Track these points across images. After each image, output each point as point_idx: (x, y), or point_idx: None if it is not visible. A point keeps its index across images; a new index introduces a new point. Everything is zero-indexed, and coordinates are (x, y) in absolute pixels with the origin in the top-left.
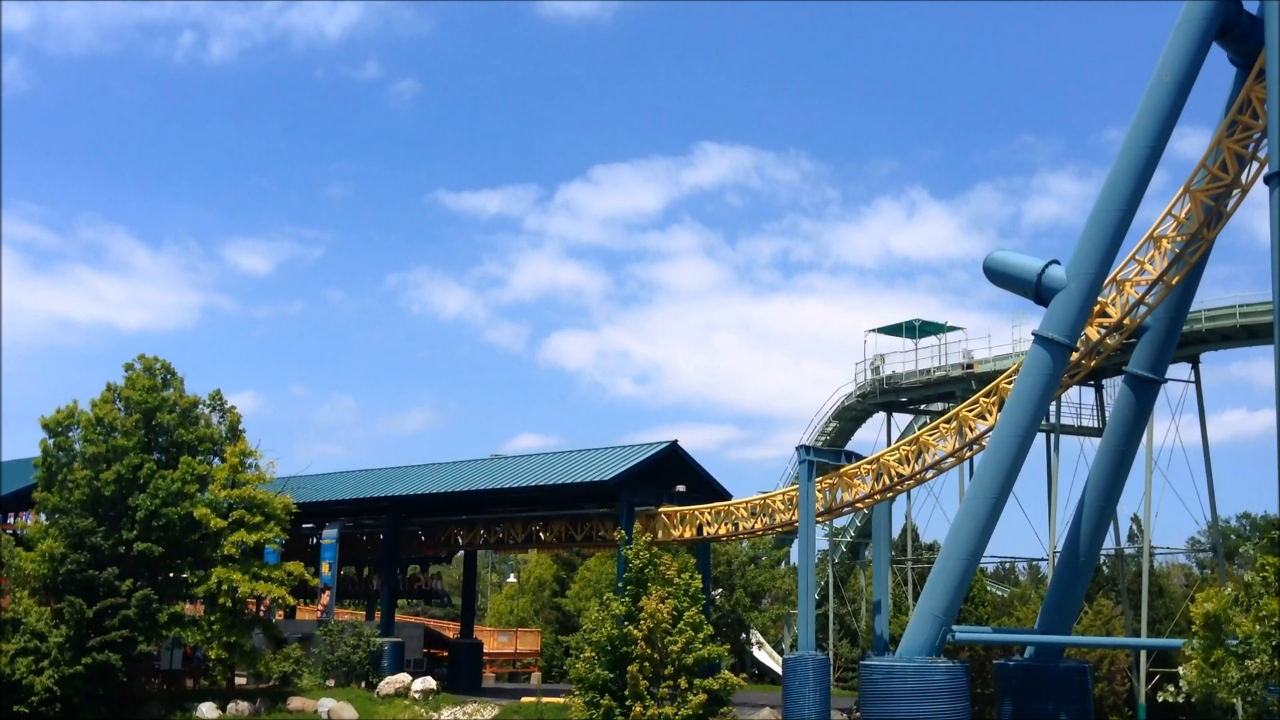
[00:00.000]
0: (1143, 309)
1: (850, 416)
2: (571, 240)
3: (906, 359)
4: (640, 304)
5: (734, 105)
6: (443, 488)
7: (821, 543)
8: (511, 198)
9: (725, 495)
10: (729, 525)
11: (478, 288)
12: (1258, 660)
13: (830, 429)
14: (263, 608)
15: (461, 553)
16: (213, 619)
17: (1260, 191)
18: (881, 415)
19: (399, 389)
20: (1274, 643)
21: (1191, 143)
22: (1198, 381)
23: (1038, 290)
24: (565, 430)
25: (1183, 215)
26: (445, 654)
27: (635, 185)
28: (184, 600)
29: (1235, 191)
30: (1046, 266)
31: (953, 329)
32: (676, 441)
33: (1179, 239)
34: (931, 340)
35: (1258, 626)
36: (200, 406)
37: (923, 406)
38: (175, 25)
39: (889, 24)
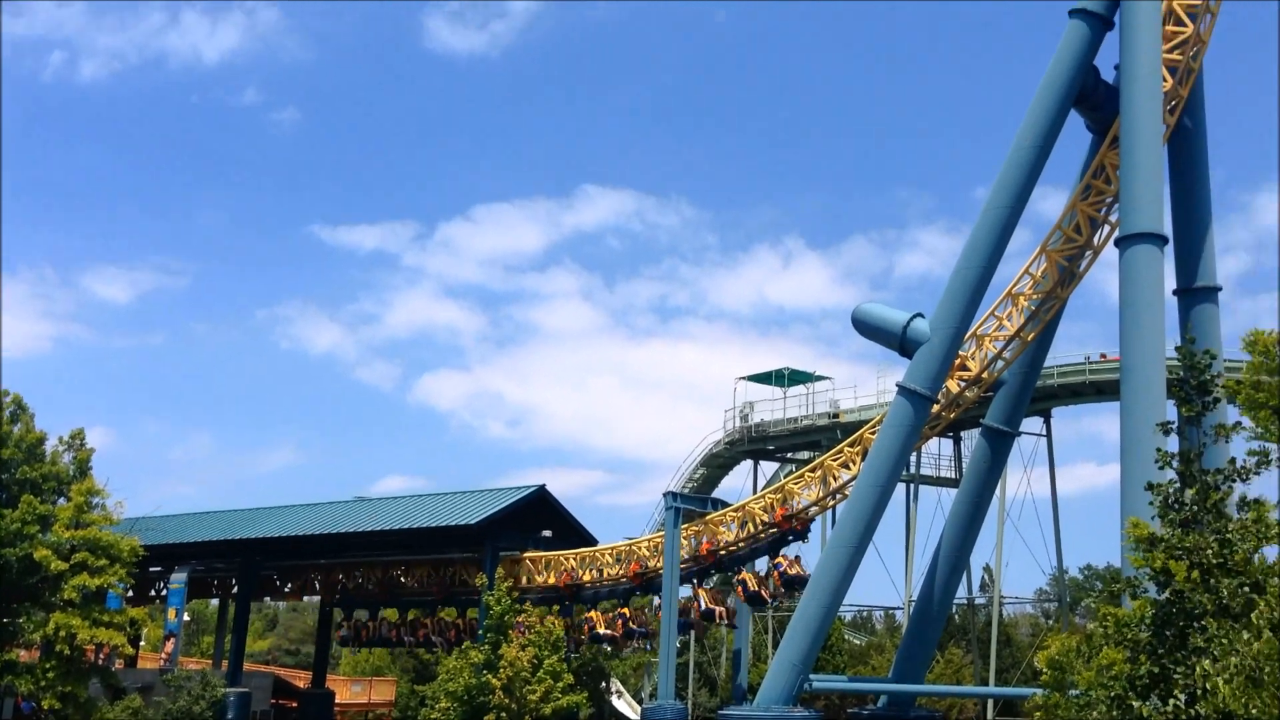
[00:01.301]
0: (1000, 364)
1: (718, 464)
2: (449, 279)
3: (775, 407)
4: (516, 345)
5: (618, 148)
6: (301, 530)
7: (685, 590)
8: (390, 234)
9: (592, 541)
10: (594, 572)
11: (350, 324)
12: (1097, 711)
13: (698, 475)
14: (102, 655)
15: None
16: (47, 667)
17: (1112, 253)
18: (749, 462)
19: (261, 427)
20: (1112, 694)
21: (1052, 203)
22: (1049, 435)
23: (902, 343)
24: (434, 472)
25: (1039, 274)
26: (294, 704)
27: (516, 225)
28: (18, 647)
29: (1088, 253)
30: (911, 320)
31: (821, 378)
32: (545, 486)
33: (1035, 297)
34: (800, 389)
35: (1097, 677)
36: (48, 442)
37: (789, 454)
38: (45, 44)
39: (772, 74)
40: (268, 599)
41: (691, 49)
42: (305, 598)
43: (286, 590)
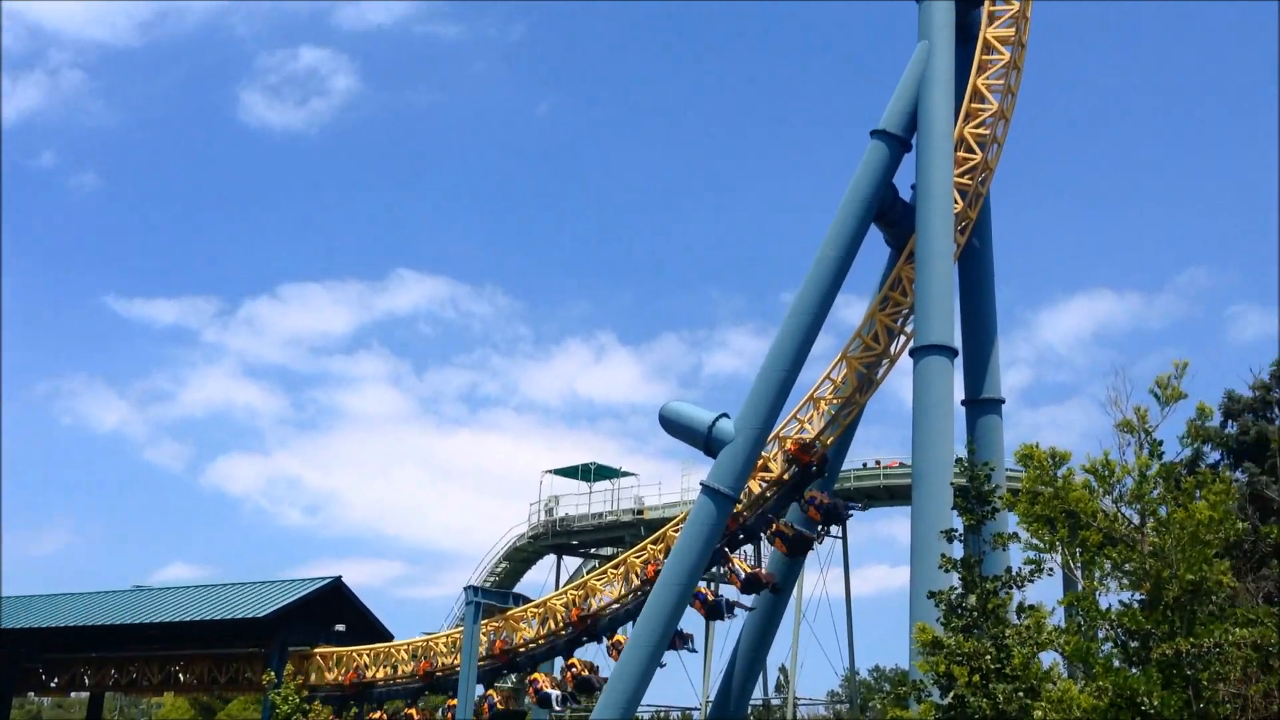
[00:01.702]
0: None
1: (521, 558)
2: (251, 358)
3: (580, 502)
4: (318, 430)
5: (435, 234)
6: (71, 621)
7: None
8: (190, 309)
9: (388, 636)
10: (388, 668)
11: (141, 402)
12: None
13: (500, 569)
14: None
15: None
16: None
17: (907, 362)
18: (553, 557)
19: (35, 508)
20: None
21: (854, 311)
22: (845, 538)
23: (707, 442)
24: (224, 561)
25: (839, 380)
26: None
27: (325, 306)
28: None
29: (885, 361)
30: (716, 420)
31: (626, 474)
32: (340, 577)
33: (835, 401)
34: (606, 484)
35: None
36: None
37: (593, 550)
38: None
39: (591, 170)
40: (31, 694)
41: (513, 140)
42: (73, 693)
43: (53, 685)
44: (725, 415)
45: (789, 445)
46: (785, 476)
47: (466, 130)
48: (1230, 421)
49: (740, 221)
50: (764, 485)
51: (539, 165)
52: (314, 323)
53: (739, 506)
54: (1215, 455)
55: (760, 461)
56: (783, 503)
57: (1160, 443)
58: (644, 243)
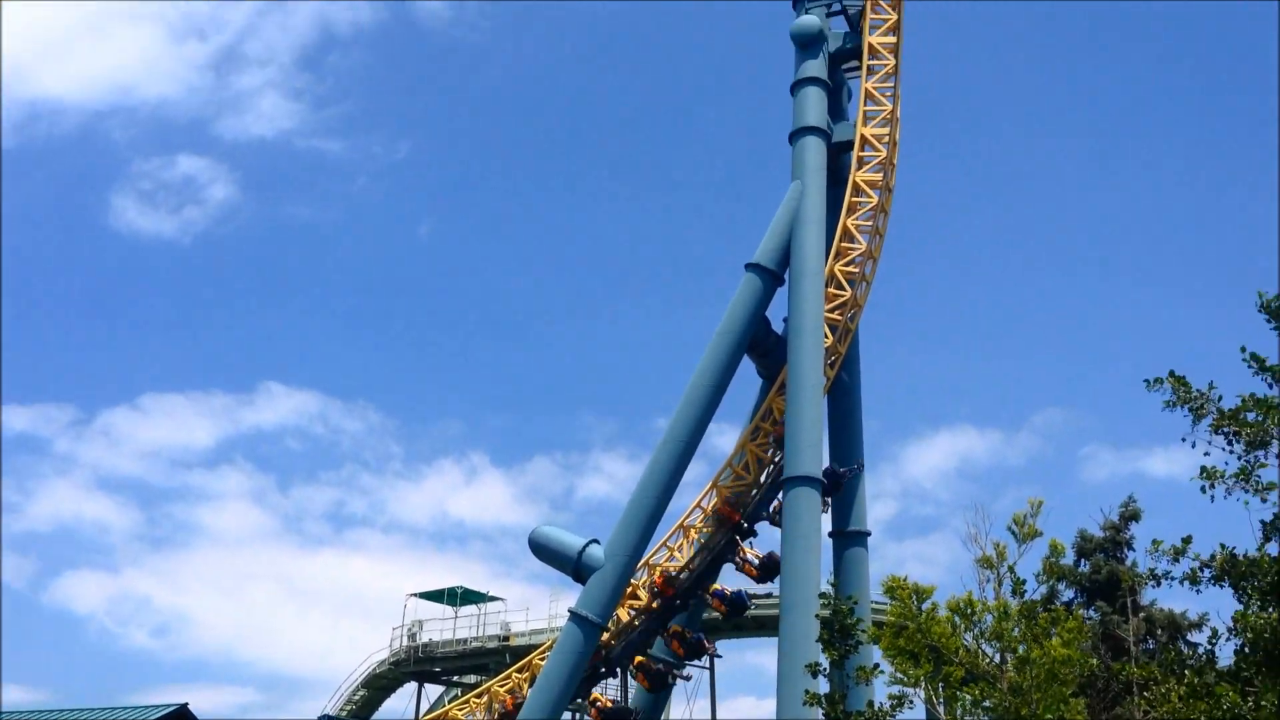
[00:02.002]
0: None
1: (380, 685)
2: (105, 470)
3: (445, 626)
4: (173, 547)
5: (307, 348)
6: None
7: None
8: (42, 417)
9: None
10: None
11: None
12: None
13: (359, 697)
14: None
15: None
16: None
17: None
18: (413, 684)
19: None
20: None
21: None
22: (711, 669)
23: (577, 568)
24: (63, 684)
25: (710, 508)
26: None
27: (188, 419)
28: None
29: (755, 490)
30: (586, 545)
31: (493, 599)
32: (187, 705)
33: (705, 529)
34: (472, 609)
35: None
36: None
37: (456, 678)
38: None
39: (467, 292)
40: None
41: (392, 258)
42: None
43: None
44: (595, 541)
45: (656, 576)
46: (654, 605)
47: (345, 246)
48: (1083, 560)
49: (616, 347)
50: (632, 614)
51: (418, 284)
52: (175, 435)
53: (606, 635)
54: (1069, 593)
55: (629, 589)
56: (649, 633)
57: (1023, 581)
58: (520, 365)
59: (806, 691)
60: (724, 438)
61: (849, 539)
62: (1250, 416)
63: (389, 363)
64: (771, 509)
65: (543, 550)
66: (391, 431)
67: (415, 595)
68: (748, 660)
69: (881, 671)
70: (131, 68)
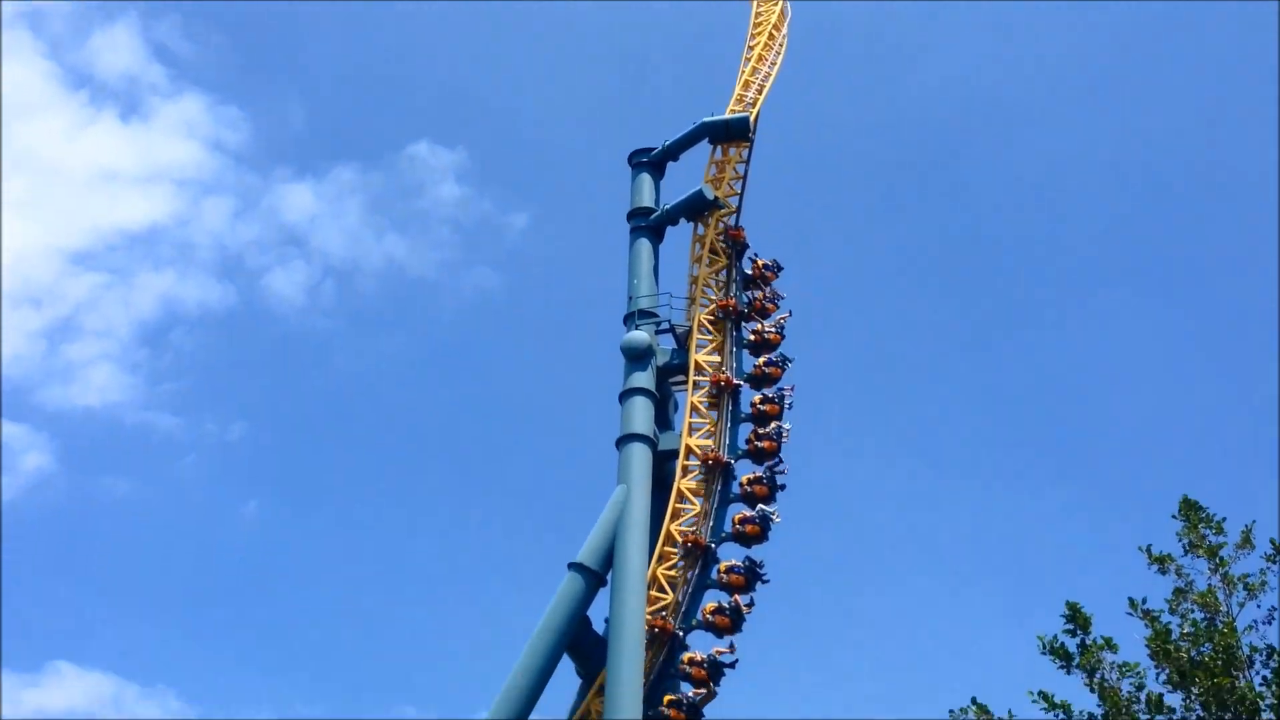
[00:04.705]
0: None
1: None
2: None
3: None
4: None
5: (106, 628)
6: None
7: None
8: None
9: None
10: None
11: None
12: None
13: None
14: None
15: None
16: None
17: None
18: None
19: None
20: None
21: None
22: None
23: None
24: None
25: None
26: None
27: None
28: None
29: None
30: None
31: None
32: None
33: None
34: None
35: None
36: None
37: None
38: None
39: (291, 572)
40: None
41: (213, 537)
42: None
43: None
44: None
45: None
46: None
47: (162, 523)
48: None
49: (440, 638)
50: None
51: (236, 565)
52: None
53: None
54: None
55: None
56: None
57: None
58: (340, 654)
59: None
60: None
61: None
62: None
63: (196, 646)
64: None
65: None
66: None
67: None
68: None
69: None
70: None
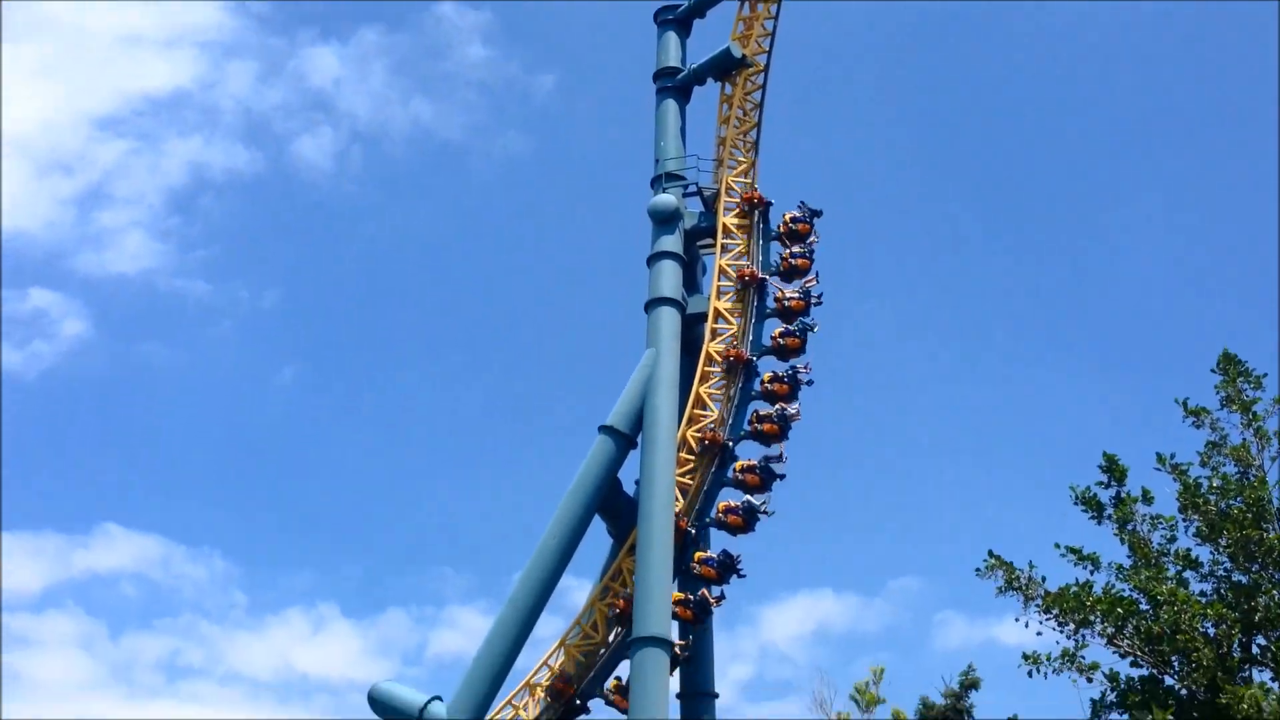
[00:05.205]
0: None
1: None
2: None
3: None
4: None
5: (153, 492)
6: None
7: None
8: None
9: None
10: None
11: None
12: None
13: None
14: None
15: None
16: None
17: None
18: None
19: None
20: None
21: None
22: None
23: None
24: None
25: (557, 666)
26: None
27: (15, 559)
28: None
29: (603, 650)
30: (428, 703)
31: None
32: None
33: (555, 686)
34: None
35: None
36: None
37: None
38: None
39: (328, 439)
40: None
41: (250, 404)
42: None
43: None
44: (438, 698)
45: None
46: None
47: (201, 389)
48: None
49: (476, 502)
50: None
51: (275, 431)
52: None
53: None
54: None
55: None
56: None
57: None
58: (377, 517)
59: None
60: (582, 593)
61: (697, 700)
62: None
63: (240, 509)
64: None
65: (382, 707)
66: (237, 580)
67: None
68: None
69: None
70: None
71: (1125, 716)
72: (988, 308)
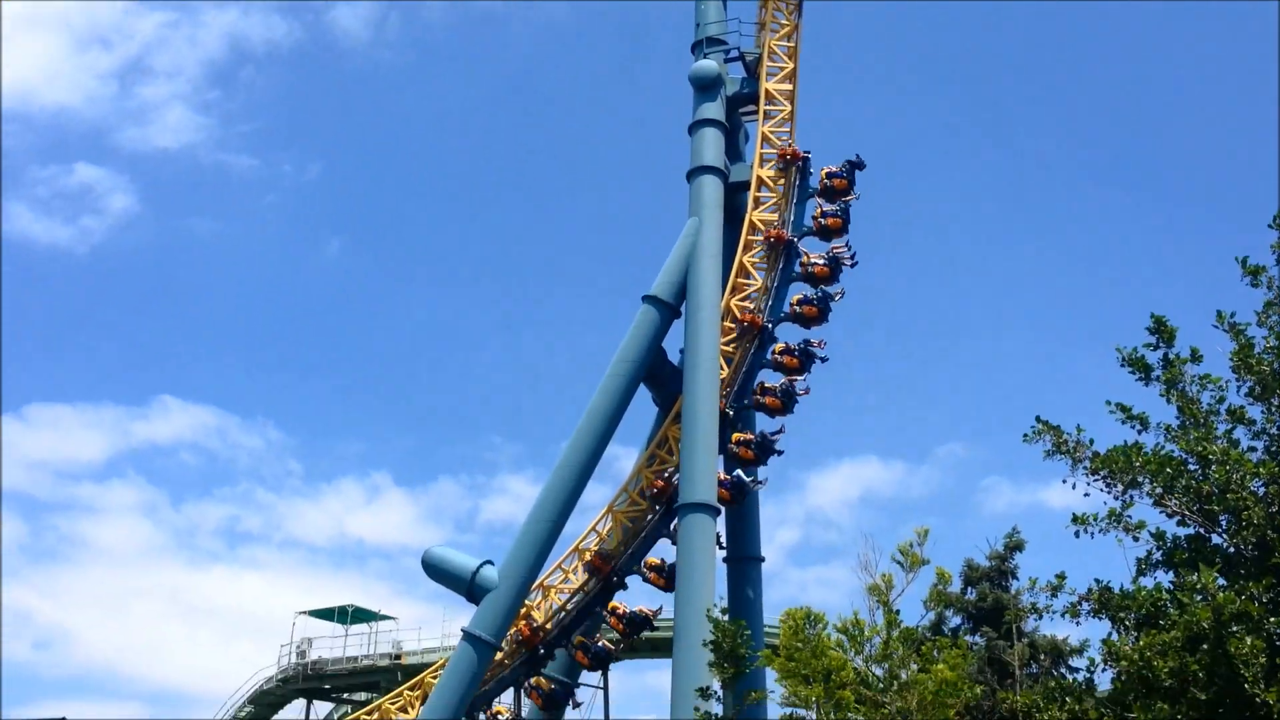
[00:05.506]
0: (564, 615)
1: (268, 702)
2: None
3: (335, 644)
4: (57, 560)
5: (207, 364)
6: None
7: None
8: None
9: None
10: None
11: None
12: None
13: (245, 714)
14: None
15: None
16: None
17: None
18: (302, 701)
19: None
20: None
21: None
22: (606, 688)
23: (470, 589)
24: None
25: (604, 532)
26: None
27: (76, 430)
28: None
29: (650, 516)
30: (481, 566)
31: (385, 618)
32: (66, 719)
33: (606, 549)
34: (363, 627)
35: None
36: None
37: (346, 695)
38: None
39: (377, 310)
40: None
41: (299, 276)
42: None
43: None
44: (489, 562)
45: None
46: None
47: (250, 261)
48: (970, 588)
49: (524, 370)
50: (513, 644)
51: (324, 303)
52: (63, 447)
53: (500, 654)
54: (956, 620)
55: (524, 610)
56: (532, 664)
57: (898, 612)
58: (427, 386)
59: (696, 710)
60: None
61: (743, 564)
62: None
63: (292, 380)
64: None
65: (436, 571)
66: (292, 449)
67: (305, 613)
68: (646, 682)
69: (772, 695)
70: (30, 75)
71: (1171, 574)
72: (1036, 171)
